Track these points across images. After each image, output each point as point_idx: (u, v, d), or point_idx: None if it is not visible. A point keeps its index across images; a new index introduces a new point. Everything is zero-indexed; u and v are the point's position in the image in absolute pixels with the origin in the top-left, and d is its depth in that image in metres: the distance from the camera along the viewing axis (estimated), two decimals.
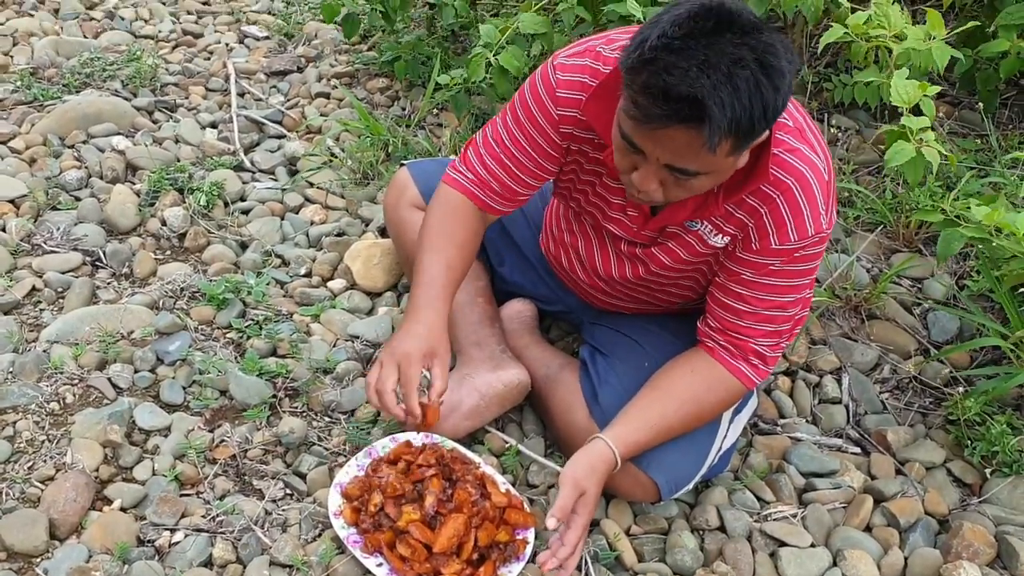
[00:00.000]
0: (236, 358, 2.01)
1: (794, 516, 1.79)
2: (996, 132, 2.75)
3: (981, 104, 2.74)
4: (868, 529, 1.78)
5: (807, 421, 2.00)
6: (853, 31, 2.00)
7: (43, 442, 1.78)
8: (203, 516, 1.67)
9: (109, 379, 1.93)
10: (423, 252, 1.71)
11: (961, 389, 2.03)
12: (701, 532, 1.75)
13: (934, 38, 1.94)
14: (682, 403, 1.63)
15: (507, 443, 1.84)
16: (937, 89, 1.90)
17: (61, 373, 1.92)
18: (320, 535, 1.65)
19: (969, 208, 1.82)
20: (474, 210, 1.75)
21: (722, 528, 1.76)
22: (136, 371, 1.96)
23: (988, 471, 1.88)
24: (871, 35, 1.96)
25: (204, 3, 3.62)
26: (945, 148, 2.63)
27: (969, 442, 1.92)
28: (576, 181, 1.72)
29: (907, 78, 1.86)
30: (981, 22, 2.72)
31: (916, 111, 1.89)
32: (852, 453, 1.95)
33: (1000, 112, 2.89)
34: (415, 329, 1.63)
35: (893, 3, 1.99)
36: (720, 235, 1.59)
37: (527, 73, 2.41)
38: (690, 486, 1.71)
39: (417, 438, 1.74)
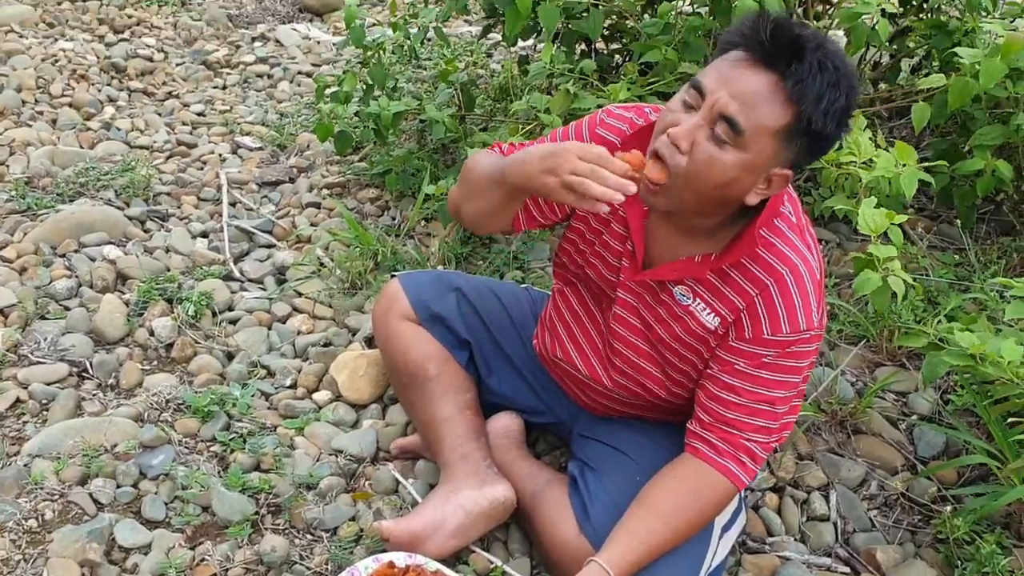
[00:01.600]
0: (219, 472, 1.99)
1: None
2: (975, 247, 2.80)
3: (959, 221, 2.80)
4: None
5: (796, 539, 1.98)
6: (824, 157, 2.06)
7: (19, 562, 1.75)
8: None
9: (90, 494, 1.90)
10: (473, 161, 1.74)
11: (949, 507, 2.02)
12: None
13: (903, 165, 2.01)
14: (670, 514, 1.62)
15: (492, 563, 1.81)
16: (904, 218, 1.95)
17: (41, 488, 1.90)
18: None
19: (952, 332, 1.85)
20: None
21: None
22: (118, 486, 1.94)
23: None
24: (841, 162, 2.02)
25: (199, 114, 3.70)
26: (924, 263, 2.68)
27: (959, 562, 1.90)
28: (586, 231, 1.76)
29: (878, 203, 1.92)
30: (954, 141, 2.81)
31: (885, 237, 1.94)
32: (842, 573, 1.92)
33: (978, 227, 2.95)
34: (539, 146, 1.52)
35: (864, 129, 2.06)
36: (712, 314, 1.61)
37: None
38: None
39: (400, 558, 1.72)
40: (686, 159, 1.45)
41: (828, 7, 3.03)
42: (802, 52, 1.38)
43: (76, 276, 2.60)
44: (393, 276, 2.16)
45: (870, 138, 2.02)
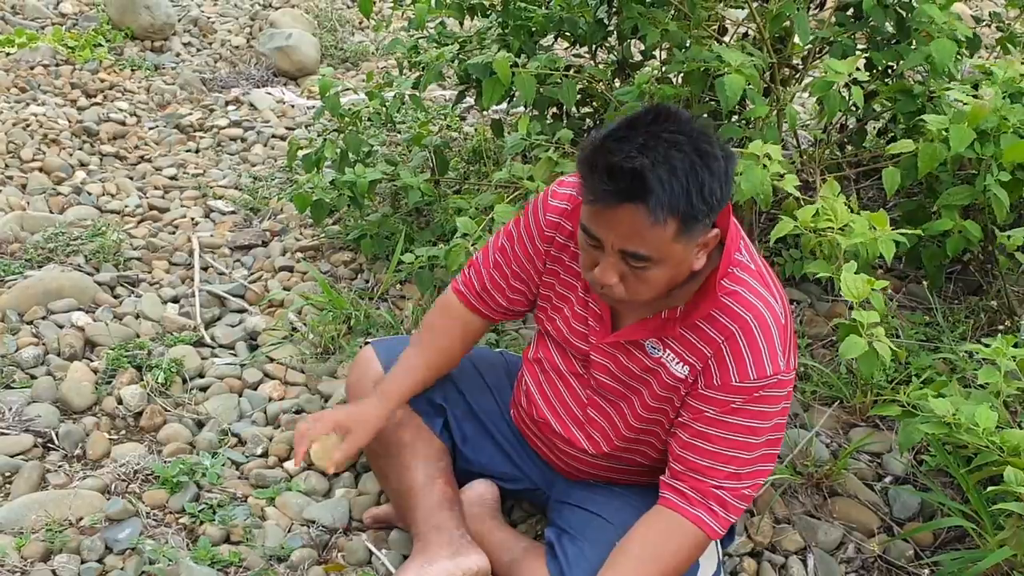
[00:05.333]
0: (188, 545, 1.95)
1: None
2: (943, 306, 2.83)
3: (926, 282, 2.83)
4: None
5: None
6: (802, 224, 2.09)
7: None
8: None
9: (53, 571, 1.85)
10: (409, 347, 1.96)
11: (927, 571, 2.01)
12: None
13: (877, 229, 2.04)
14: (644, 567, 1.62)
15: None
16: (885, 284, 1.98)
17: (2, 566, 1.84)
18: None
19: (926, 398, 1.86)
20: (462, 310, 1.93)
21: None
22: (83, 562, 1.89)
23: None
24: (819, 228, 2.06)
25: (171, 178, 3.69)
26: (895, 323, 2.70)
27: None
28: (552, 297, 1.81)
29: (856, 267, 1.95)
30: (921, 202, 2.85)
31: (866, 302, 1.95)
32: None
33: (945, 287, 2.98)
34: (352, 405, 1.92)
35: (838, 195, 2.09)
36: (681, 363, 1.65)
37: None
38: None
39: None
40: (622, 288, 1.56)
41: (795, 72, 3.09)
42: (644, 178, 1.42)
43: (43, 343, 2.56)
44: (367, 342, 2.14)
45: (844, 202, 2.05)
